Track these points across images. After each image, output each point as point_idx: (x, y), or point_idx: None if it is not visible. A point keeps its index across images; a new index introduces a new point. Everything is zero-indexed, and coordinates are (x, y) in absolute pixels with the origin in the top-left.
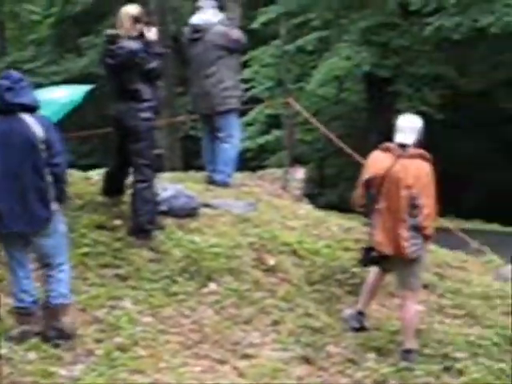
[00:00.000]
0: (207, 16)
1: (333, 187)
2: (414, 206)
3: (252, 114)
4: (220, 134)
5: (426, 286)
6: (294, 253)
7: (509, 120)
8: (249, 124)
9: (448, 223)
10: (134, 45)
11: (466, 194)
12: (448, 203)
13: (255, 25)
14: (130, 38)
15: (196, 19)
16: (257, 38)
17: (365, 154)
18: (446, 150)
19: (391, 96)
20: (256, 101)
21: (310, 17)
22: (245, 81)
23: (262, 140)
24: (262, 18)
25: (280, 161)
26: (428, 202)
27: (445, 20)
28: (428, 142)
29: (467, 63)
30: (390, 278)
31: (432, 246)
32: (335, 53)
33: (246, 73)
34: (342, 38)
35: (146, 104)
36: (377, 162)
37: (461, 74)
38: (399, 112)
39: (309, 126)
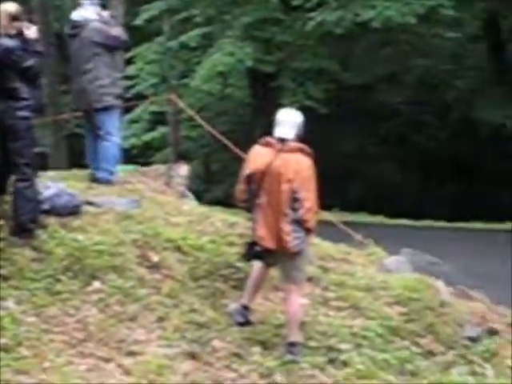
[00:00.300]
0: (87, 12)
1: (218, 183)
2: (295, 200)
3: (137, 111)
4: (99, 132)
5: (310, 279)
6: (178, 249)
7: (390, 113)
8: (134, 121)
9: (331, 216)
10: (10, 42)
11: (350, 187)
12: (333, 196)
13: (139, 21)
14: (8, 35)
15: (75, 15)
16: (140, 35)
17: (249, 149)
18: (331, 144)
19: (275, 91)
20: (141, 98)
21: (193, 13)
22: (129, 78)
23: (147, 137)
24: (145, 15)
25: (166, 157)
26: (309, 196)
27: (327, 15)
28: (312, 135)
29: (350, 57)
30: (275, 272)
31: (315, 240)
32: (219, 48)
33: (131, 70)
34: (225, 34)
35: (24, 103)
36: (257, 156)
37: (344, 68)
38: (283, 107)
39: (194, 122)
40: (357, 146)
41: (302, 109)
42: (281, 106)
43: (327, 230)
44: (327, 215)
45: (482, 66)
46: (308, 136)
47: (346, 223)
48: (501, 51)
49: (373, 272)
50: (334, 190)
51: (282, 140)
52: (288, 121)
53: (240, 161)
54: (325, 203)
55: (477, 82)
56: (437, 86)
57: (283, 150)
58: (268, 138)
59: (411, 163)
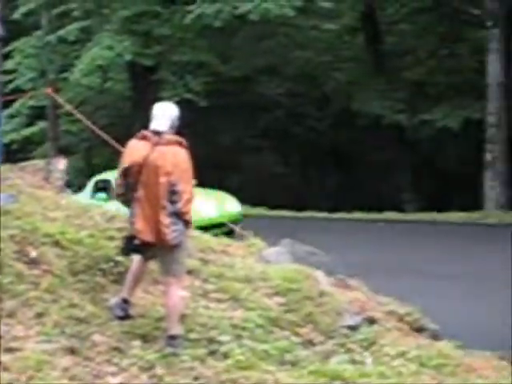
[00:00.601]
0: None
1: None
2: (173, 193)
3: (15, 106)
4: None
5: (189, 272)
6: (57, 244)
7: (271, 105)
8: (13, 116)
9: None
10: None
11: (231, 180)
12: (214, 189)
13: (16, 15)
14: None
15: None
16: (19, 29)
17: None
18: (212, 136)
19: (155, 84)
20: (20, 92)
21: (71, 7)
22: (7, 72)
23: (26, 132)
24: (23, 9)
25: (46, 152)
26: (187, 188)
27: (205, 8)
28: (192, 128)
29: (229, 50)
30: (155, 265)
31: (195, 232)
32: (97, 42)
33: (9, 64)
34: (103, 28)
35: None
36: (134, 150)
37: (223, 61)
38: (163, 100)
39: (74, 116)
40: (238, 139)
41: (182, 102)
42: (161, 99)
43: None
44: None
45: (361, 57)
46: (188, 128)
47: None
48: (378, 43)
49: (252, 263)
50: (216, 183)
51: (158, 133)
52: (162, 114)
53: (120, 155)
54: None
55: (355, 74)
56: (316, 78)
57: (160, 143)
58: (144, 132)
59: (292, 155)
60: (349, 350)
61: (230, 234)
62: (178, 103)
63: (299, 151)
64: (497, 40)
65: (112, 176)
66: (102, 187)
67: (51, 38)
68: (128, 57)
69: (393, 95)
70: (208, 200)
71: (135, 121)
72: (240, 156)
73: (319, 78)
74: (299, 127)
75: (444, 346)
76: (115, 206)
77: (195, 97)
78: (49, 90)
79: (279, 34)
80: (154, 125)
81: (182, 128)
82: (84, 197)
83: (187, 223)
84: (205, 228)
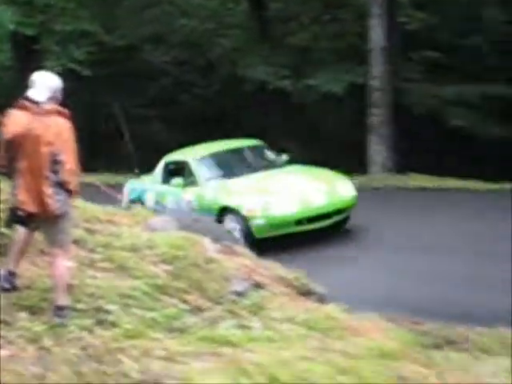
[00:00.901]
0: None
1: None
2: (55, 163)
3: None
4: None
5: (75, 242)
6: None
7: (158, 74)
8: None
9: (94, 178)
10: None
11: (120, 149)
12: (103, 158)
13: None
14: None
15: None
16: None
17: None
18: (97, 106)
19: (38, 54)
20: None
21: None
22: None
23: None
24: None
25: None
26: (69, 158)
27: None
28: (77, 98)
29: (113, 20)
30: (41, 236)
31: (80, 202)
32: None
33: None
34: None
35: None
36: (15, 120)
37: (107, 31)
38: (46, 70)
39: None
40: (126, 107)
41: (66, 71)
42: (44, 68)
43: (92, 192)
44: (93, 178)
45: (245, 24)
46: (71, 98)
47: (112, 185)
48: (262, 9)
49: (138, 232)
50: (104, 152)
51: (36, 103)
52: (41, 83)
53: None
54: (94, 165)
55: (240, 41)
56: (201, 45)
57: (40, 113)
58: (23, 101)
59: (180, 123)
60: (237, 316)
61: (338, 225)
62: (61, 74)
63: (187, 119)
64: (378, 5)
65: (185, 156)
66: (176, 170)
67: None
68: (11, 26)
69: (277, 61)
70: (314, 183)
71: (17, 91)
72: (128, 126)
73: (204, 45)
74: (187, 95)
75: (331, 309)
76: (195, 194)
77: (79, 66)
78: None
79: (164, 3)
80: (31, 93)
81: (66, 98)
82: (154, 182)
83: (71, 193)
84: (310, 220)
